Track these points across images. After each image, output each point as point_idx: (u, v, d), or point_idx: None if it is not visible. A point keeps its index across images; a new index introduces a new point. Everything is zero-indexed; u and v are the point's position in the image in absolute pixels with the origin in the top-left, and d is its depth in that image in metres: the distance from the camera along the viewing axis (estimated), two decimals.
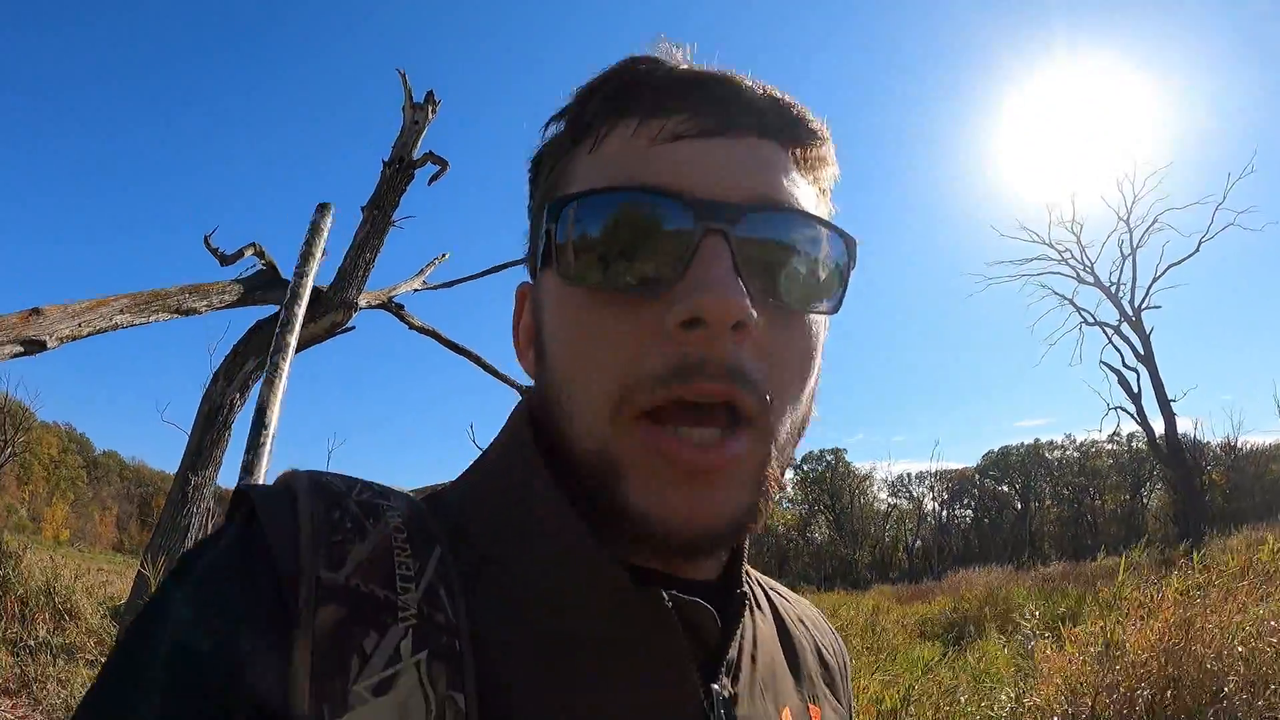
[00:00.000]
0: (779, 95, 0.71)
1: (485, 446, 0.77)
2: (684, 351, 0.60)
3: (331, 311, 8.59)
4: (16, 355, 6.31)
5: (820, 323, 0.70)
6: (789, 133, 0.70)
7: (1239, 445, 46.58)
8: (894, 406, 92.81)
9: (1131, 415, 32.68)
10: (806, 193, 0.69)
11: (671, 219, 0.62)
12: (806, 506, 63.64)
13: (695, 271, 0.61)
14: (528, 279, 0.78)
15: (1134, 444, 49.68)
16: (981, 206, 74.51)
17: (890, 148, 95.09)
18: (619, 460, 0.63)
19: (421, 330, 9.83)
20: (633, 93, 0.68)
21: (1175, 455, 31.68)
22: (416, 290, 10.09)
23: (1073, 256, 35.24)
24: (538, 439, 0.70)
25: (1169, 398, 31.47)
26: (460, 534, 0.65)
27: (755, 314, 0.61)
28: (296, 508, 0.60)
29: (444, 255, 10.60)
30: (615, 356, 0.62)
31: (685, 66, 0.70)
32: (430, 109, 9.05)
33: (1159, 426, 32.21)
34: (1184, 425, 51.40)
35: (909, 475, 61.64)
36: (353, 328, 8.99)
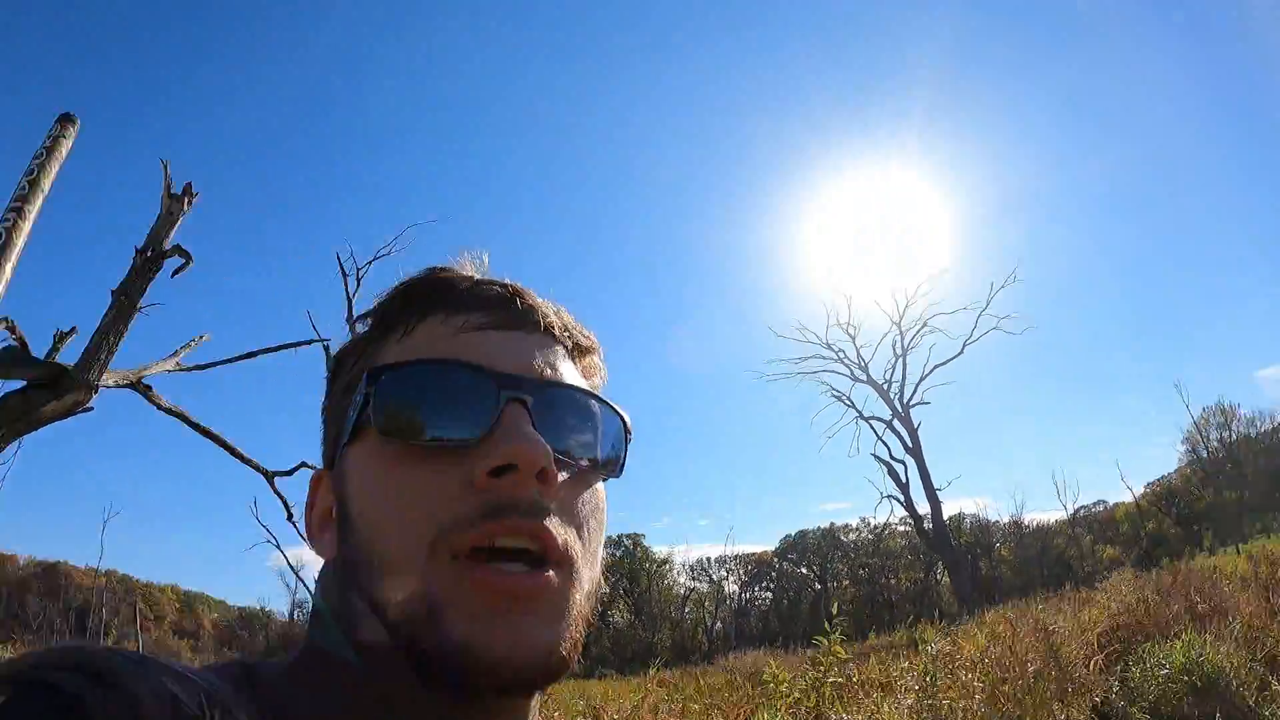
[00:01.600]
0: (558, 307, 0.83)
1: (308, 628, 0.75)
2: (494, 496, 0.66)
3: (74, 391, 8.75)
4: None
5: (603, 491, 0.78)
6: (568, 339, 0.81)
7: (1025, 523, 50.99)
8: (700, 492, 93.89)
9: (901, 503, 34.13)
10: (585, 384, 0.81)
11: (478, 389, 0.70)
12: (606, 590, 61.44)
13: (501, 429, 0.68)
14: (320, 467, 0.81)
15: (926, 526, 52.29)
16: (781, 306, 77.26)
17: (687, 245, 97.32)
18: (438, 599, 0.64)
19: (169, 411, 9.62)
20: (440, 294, 0.78)
21: (941, 539, 33.17)
22: (171, 371, 10.04)
23: (847, 356, 37.48)
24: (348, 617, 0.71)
25: (935, 487, 33.10)
26: (268, 706, 0.63)
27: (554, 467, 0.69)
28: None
29: (203, 336, 10.39)
30: (429, 503, 0.66)
31: (482, 276, 0.81)
32: (187, 201, 9.13)
33: (930, 511, 33.70)
34: (972, 507, 54.01)
35: (708, 559, 62.10)
36: (92, 408, 9.13)
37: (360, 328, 0.83)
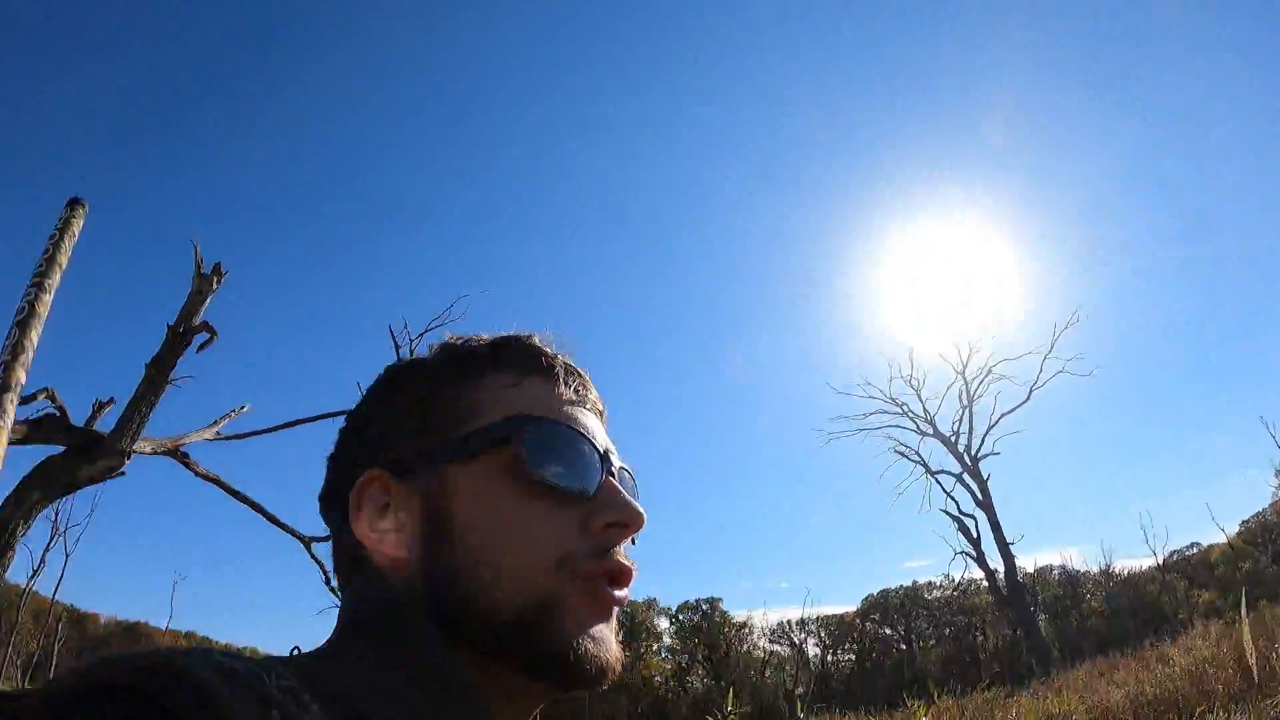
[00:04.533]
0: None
1: (353, 624, 0.80)
2: (604, 541, 0.82)
3: (107, 456, 8.98)
4: None
5: None
6: (604, 417, 0.98)
7: (1115, 572, 48.79)
8: (780, 553, 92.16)
9: (973, 558, 32.59)
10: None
11: (591, 458, 0.86)
12: (686, 655, 61.66)
13: (610, 492, 0.85)
14: (376, 468, 0.86)
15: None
16: (840, 363, 75.77)
17: (754, 302, 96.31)
18: (558, 599, 0.78)
19: (205, 477, 10.31)
20: (540, 360, 0.92)
21: (1015, 595, 31.61)
22: (210, 440, 10.57)
23: (912, 410, 36.02)
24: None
25: (1008, 540, 31.54)
26: (336, 700, 0.63)
27: None
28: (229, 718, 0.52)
29: (243, 407, 10.81)
30: (554, 535, 0.80)
31: (562, 354, 0.95)
32: (216, 279, 9.57)
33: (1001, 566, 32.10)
34: (1058, 559, 50.74)
35: (789, 622, 60.98)
36: (124, 473, 9.27)
37: (447, 355, 0.94)
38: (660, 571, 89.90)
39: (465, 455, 0.83)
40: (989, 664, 47.73)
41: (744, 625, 61.08)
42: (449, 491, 0.83)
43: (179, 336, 9.62)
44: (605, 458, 0.87)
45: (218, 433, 10.63)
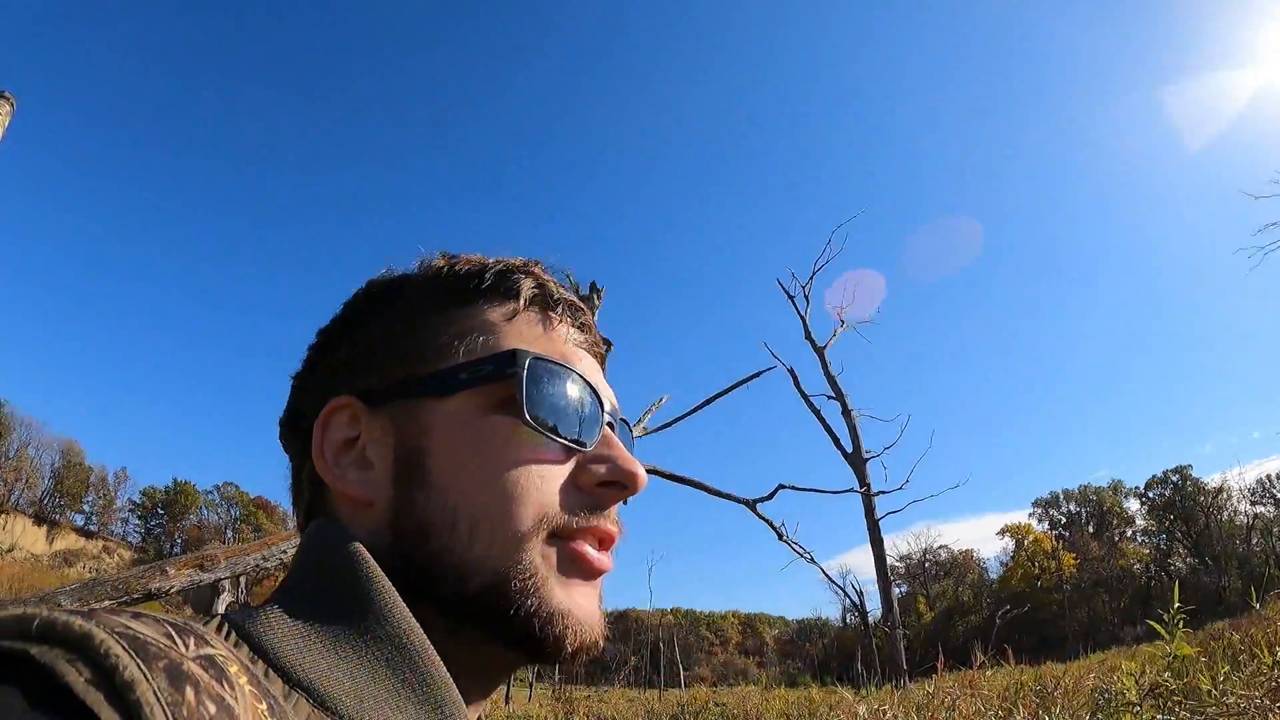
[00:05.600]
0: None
1: (304, 575, 0.69)
2: (596, 499, 0.74)
3: None
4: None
5: None
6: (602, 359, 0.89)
7: None
8: (1242, 400, 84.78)
9: None
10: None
11: (593, 406, 0.78)
12: (1163, 536, 57.76)
13: (607, 446, 0.76)
14: (344, 395, 0.77)
15: None
16: (1246, 163, 66.83)
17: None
18: (539, 564, 0.70)
19: (647, 471, 10.30)
20: (550, 291, 0.82)
21: None
22: (637, 437, 10.55)
23: None
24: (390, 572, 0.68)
25: None
26: (275, 667, 0.57)
27: None
28: (135, 694, 0.42)
29: (664, 398, 10.73)
30: (542, 489, 0.71)
31: (571, 289, 0.86)
32: (595, 297, 10.07)
33: None
34: None
35: (1270, 477, 54.44)
36: None
37: (446, 271, 0.84)
38: (1118, 450, 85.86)
39: (449, 389, 0.75)
40: None
41: (1220, 491, 56.19)
42: (427, 429, 0.74)
43: None
44: (606, 407, 0.80)
45: (644, 428, 11.02)
